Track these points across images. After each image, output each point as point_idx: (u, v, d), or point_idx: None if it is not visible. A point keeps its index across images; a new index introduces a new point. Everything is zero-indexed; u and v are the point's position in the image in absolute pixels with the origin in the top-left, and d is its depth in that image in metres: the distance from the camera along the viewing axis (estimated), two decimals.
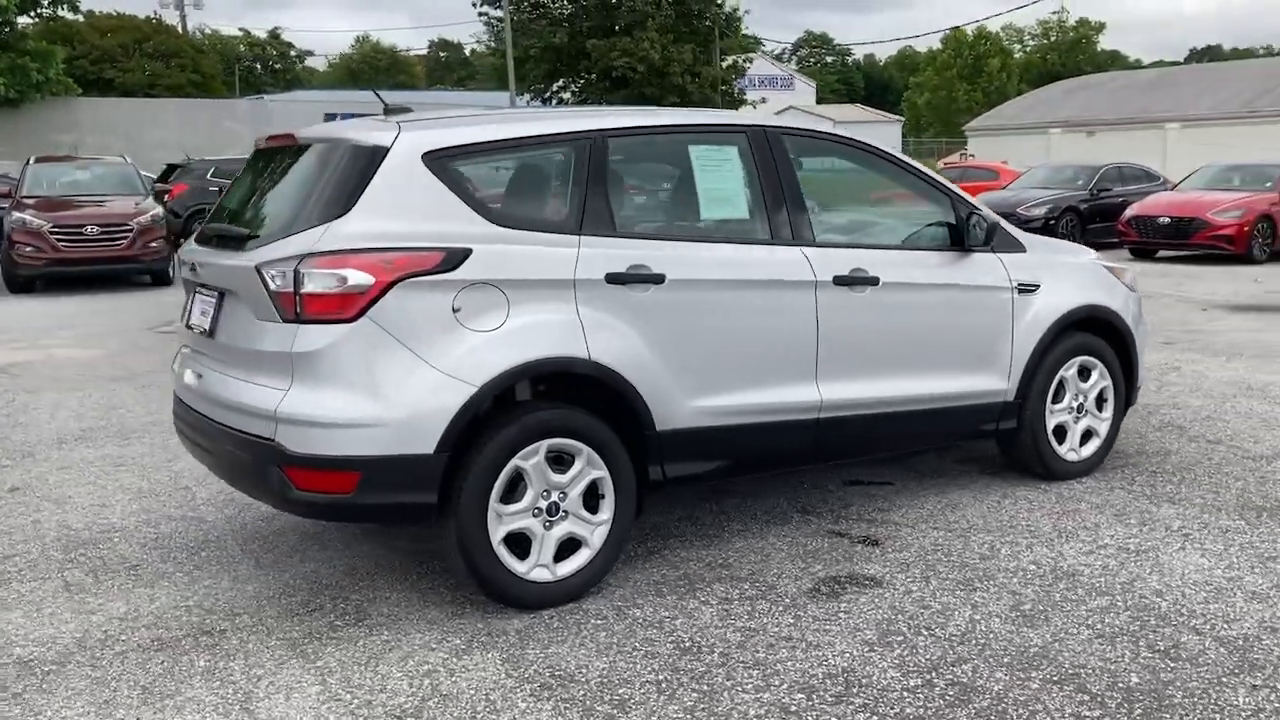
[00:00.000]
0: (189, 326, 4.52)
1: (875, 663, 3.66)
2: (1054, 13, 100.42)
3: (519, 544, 4.09)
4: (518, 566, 4.07)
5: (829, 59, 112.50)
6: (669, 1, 40.21)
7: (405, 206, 3.96)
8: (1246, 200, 17.12)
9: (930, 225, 5.23)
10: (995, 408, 5.31)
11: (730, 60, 44.14)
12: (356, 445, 3.83)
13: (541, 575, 4.12)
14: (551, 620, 4.05)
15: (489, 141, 4.24)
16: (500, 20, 41.42)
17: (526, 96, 41.28)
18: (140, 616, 4.17)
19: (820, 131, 5.11)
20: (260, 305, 3.96)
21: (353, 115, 5.52)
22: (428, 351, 3.89)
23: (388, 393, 3.84)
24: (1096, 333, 5.63)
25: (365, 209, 3.89)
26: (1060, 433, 5.57)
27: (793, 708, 3.39)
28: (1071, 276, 5.58)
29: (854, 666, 3.64)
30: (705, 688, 3.52)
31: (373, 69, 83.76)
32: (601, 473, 4.20)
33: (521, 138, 4.31)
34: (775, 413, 4.63)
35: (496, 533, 4.02)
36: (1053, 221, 19.02)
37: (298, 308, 3.84)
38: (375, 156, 3.96)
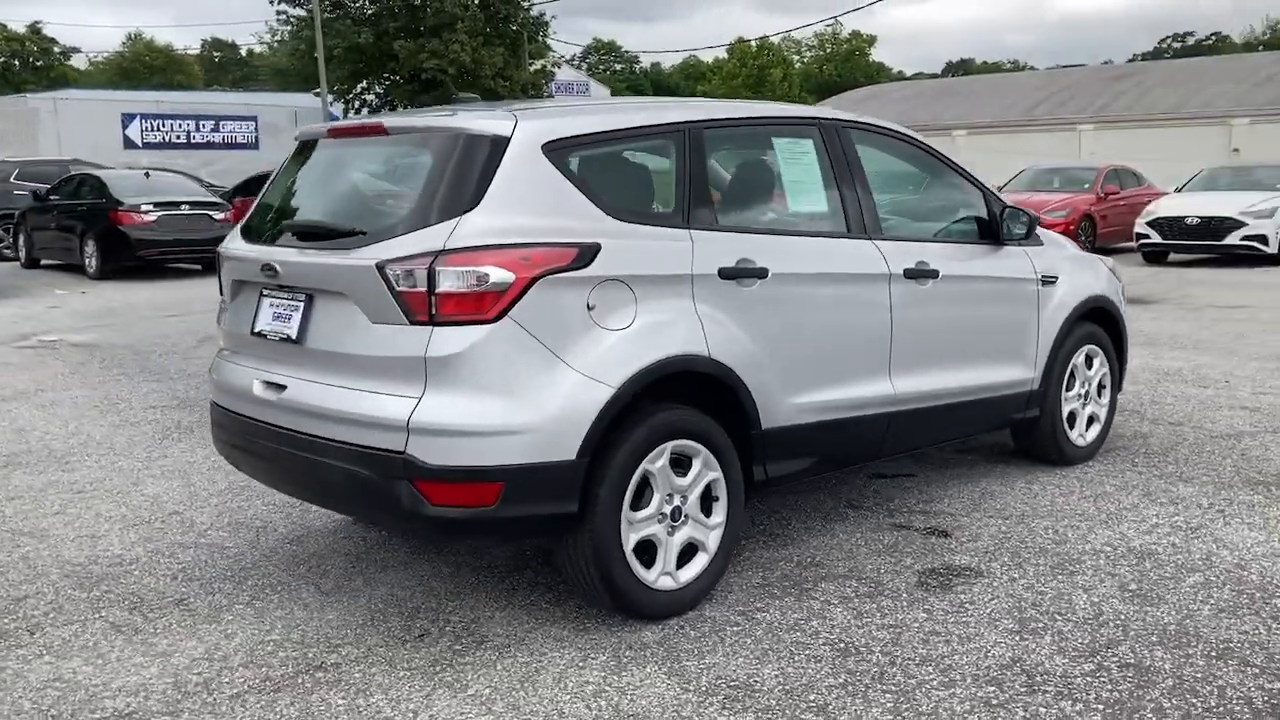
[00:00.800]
0: (256, 333, 4.12)
1: (1036, 650, 3.68)
2: (828, 25, 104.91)
3: (645, 552, 3.92)
4: (646, 575, 3.89)
5: (618, 66, 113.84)
6: (477, 4, 39.79)
7: (530, 200, 3.72)
8: (1070, 201, 18.33)
9: (966, 218, 5.33)
10: (1024, 397, 5.46)
11: (538, 64, 44.04)
12: (499, 454, 3.57)
13: (666, 583, 3.96)
14: (685, 629, 3.90)
15: (604, 132, 4.04)
16: (300, 19, 39.97)
17: (330, 98, 39.91)
18: (229, 656, 3.76)
19: (876, 124, 5.12)
20: (378, 307, 3.64)
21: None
22: (567, 352, 3.67)
23: (530, 397, 3.60)
24: (1098, 322, 5.87)
25: (493, 203, 3.64)
26: (1071, 419, 5.78)
27: (993, 701, 3.36)
28: (1080, 268, 5.80)
29: (1019, 655, 3.65)
30: (893, 688, 3.45)
31: (147, 68, 79.17)
32: (716, 474, 4.07)
33: (633, 128, 4.14)
34: (858, 408, 4.61)
35: (629, 541, 3.84)
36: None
37: (431, 309, 3.55)
38: (497, 147, 3.71)
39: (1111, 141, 36.15)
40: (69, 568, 4.61)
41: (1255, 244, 16.25)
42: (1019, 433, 5.75)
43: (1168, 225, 16.85)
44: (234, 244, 4.34)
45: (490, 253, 3.56)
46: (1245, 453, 6.04)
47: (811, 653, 3.70)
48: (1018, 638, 3.79)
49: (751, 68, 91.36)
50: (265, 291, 4.14)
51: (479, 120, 3.82)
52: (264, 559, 4.68)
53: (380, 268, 3.61)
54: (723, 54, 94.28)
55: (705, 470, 4.03)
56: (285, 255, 4.00)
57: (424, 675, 3.59)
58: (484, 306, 3.54)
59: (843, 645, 3.75)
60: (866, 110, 44.59)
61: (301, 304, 3.95)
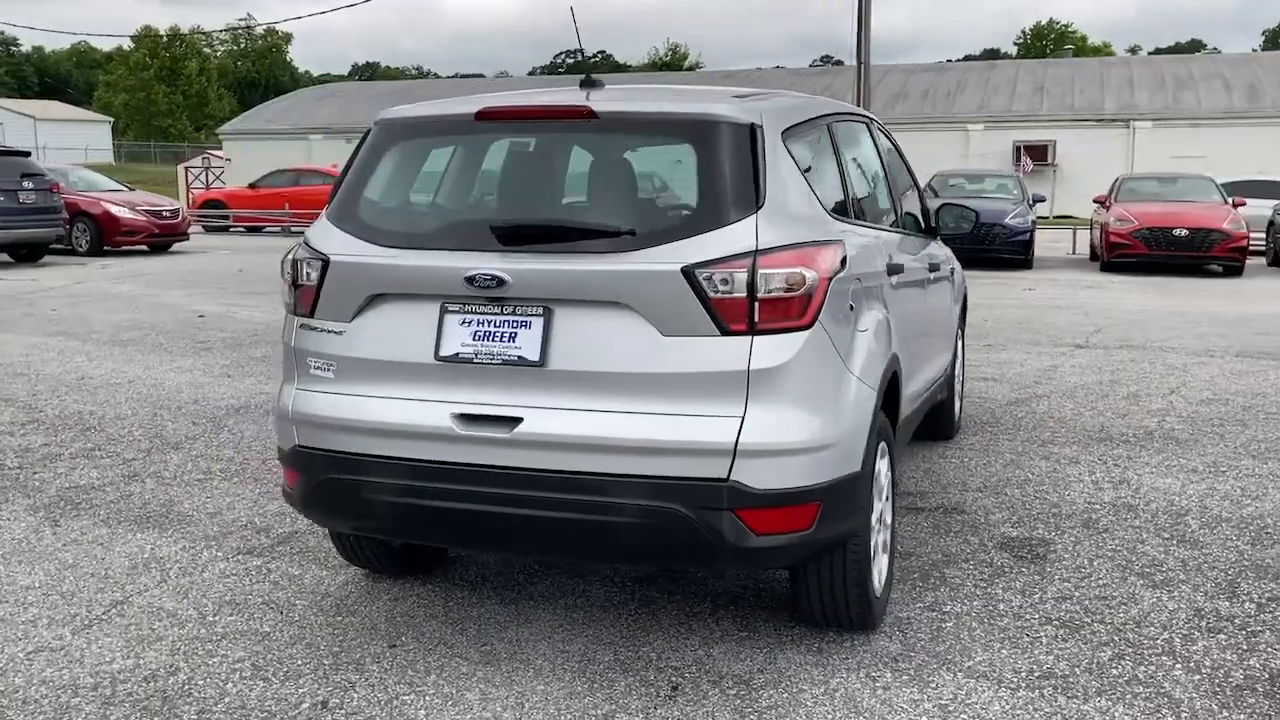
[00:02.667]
0: (444, 358, 3.32)
1: (1229, 607, 4.11)
2: (241, 20, 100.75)
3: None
4: (875, 585, 3.77)
5: None
6: None
7: (789, 194, 3.43)
8: None
9: (912, 211, 5.66)
10: (947, 378, 5.92)
11: None
12: (818, 471, 3.26)
13: (878, 590, 3.85)
14: (911, 632, 3.82)
15: (809, 120, 3.79)
16: None
17: None
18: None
19: (871, 116, 5.22)
20: (676, 317, 3.14)
21: None
22: (848, 357, 3.45)
23: (834, 407, 3.33)
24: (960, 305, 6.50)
25: (773, 198, 3.31)
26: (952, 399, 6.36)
27: None
28: (952, 256, 6.38)
29: (1203, 606, 4.05)
30: (1114, 636, 3.68)
31: None
32: (888, 473, 4.03)
33: (824, 115, 3.93)
34: (919, 399, 4.76)
35: (876, 552, 3.70)
36: None
37: (751, 316, 3.15)
38: (754, 137, 3.36)
39: None
40: None
41: None
42: (931, 415, 6.20)
43: None
44: (363, 249, 3.45)
45: (794, 252, 3.24)
46: (1047, 414, 7.04)
47: (1034, 629, 3.81)
48: (1196, 611, 4.19)
49: (164, 59, 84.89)
50: (455, 307, 3.35)
51: (722, 107, 3.42)
52: (404, 621, 3.78)
53: (688, 273, 3.13)
54: (125, 44, 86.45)
55: (885, 469, 3.97)
56: (513, 263, 3.27)
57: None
58: (801, 311, 3.21)
59: (1107, 633, 3.90)
60: (326, 108, 43.65)
61: (538, 319, 3.27)
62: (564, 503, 3.21)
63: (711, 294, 3.12)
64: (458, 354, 3.32)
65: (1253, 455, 6.08)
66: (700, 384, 3.15)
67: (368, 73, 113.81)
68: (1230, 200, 18.14)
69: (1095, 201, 19.66)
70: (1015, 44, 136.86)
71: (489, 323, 3.30)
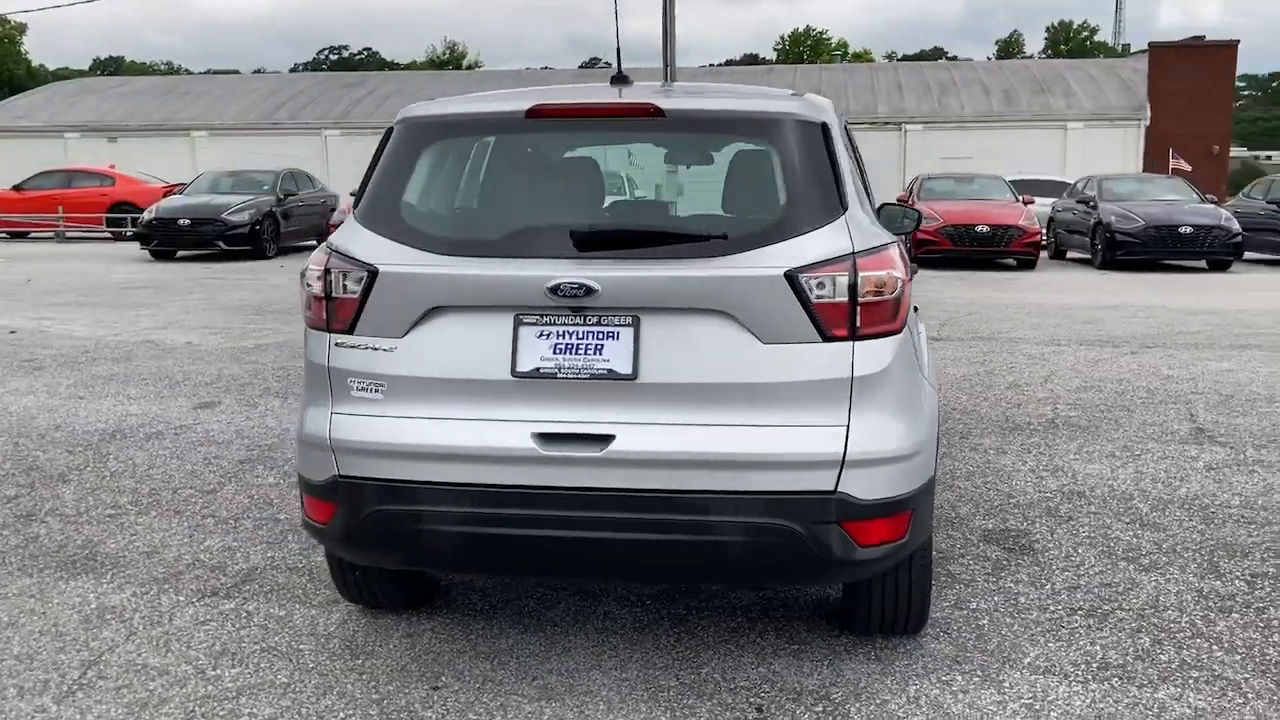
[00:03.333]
0: (521, 374, 3.07)
1: (1224, 586, 4.30)
2: None
3: None
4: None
5: None
6: None
7: (857, 195, 3.36)
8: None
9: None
10: None
11: None
12: (911, 479, 3.20)
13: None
14: (957, 631, 3.82)
15: (844, 121, 3.71)
16: None
17: None
18: None
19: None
20: (777, 323, 3.02)
21: None
22: (920, 359, 3.42)
23: (919, 412, 3.28)
24: None
25: (850, 199, 3.23)
26: None
27: None
28: None
29: (1201, 588, 4.24)
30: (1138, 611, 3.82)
31: None
32: None
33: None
34: None
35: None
36: (257, 227, 18.80)
37: (853, 321, 3.06)
38: (827, 136, 3.27)
39: (362, 145, 37.66)
40: None
41: None
42: None
43: None
44: (418, 258, 3.13)
45: (882, 254, 3.16)
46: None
47: (1065, 620, 3.89)
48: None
49: None
50: (532, 318, 3.10)
51: (790, 104, 3.32)
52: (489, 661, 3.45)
53: (791, 277, 3.00)
54: None
55: None
56: (598, 270, 3.04)
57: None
58: (893, 315, 3.14)
59: (1064, 607, 3.99)
60: (83, 105, 40.77)
61: (626, 329, 3.06)
62: (664, 524, 3.02)
63: (815, 299, 3.01)
64: (538, 369, 3.07)
65: (1154, 439, 6.44)
66: (803, 393, 3.03)
67: (111, 67, 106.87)
68: (1021, 198, 19.35)
69: (898, 201, 20.57)
70: (775, 49, 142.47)
71: (571, 334, 3.08)
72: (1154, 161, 36.66)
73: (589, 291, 3.01)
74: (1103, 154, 37.27)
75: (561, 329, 3.08)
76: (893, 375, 3.11)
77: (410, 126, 3.38)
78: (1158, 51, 38.91)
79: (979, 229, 17.88)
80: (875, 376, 3.07)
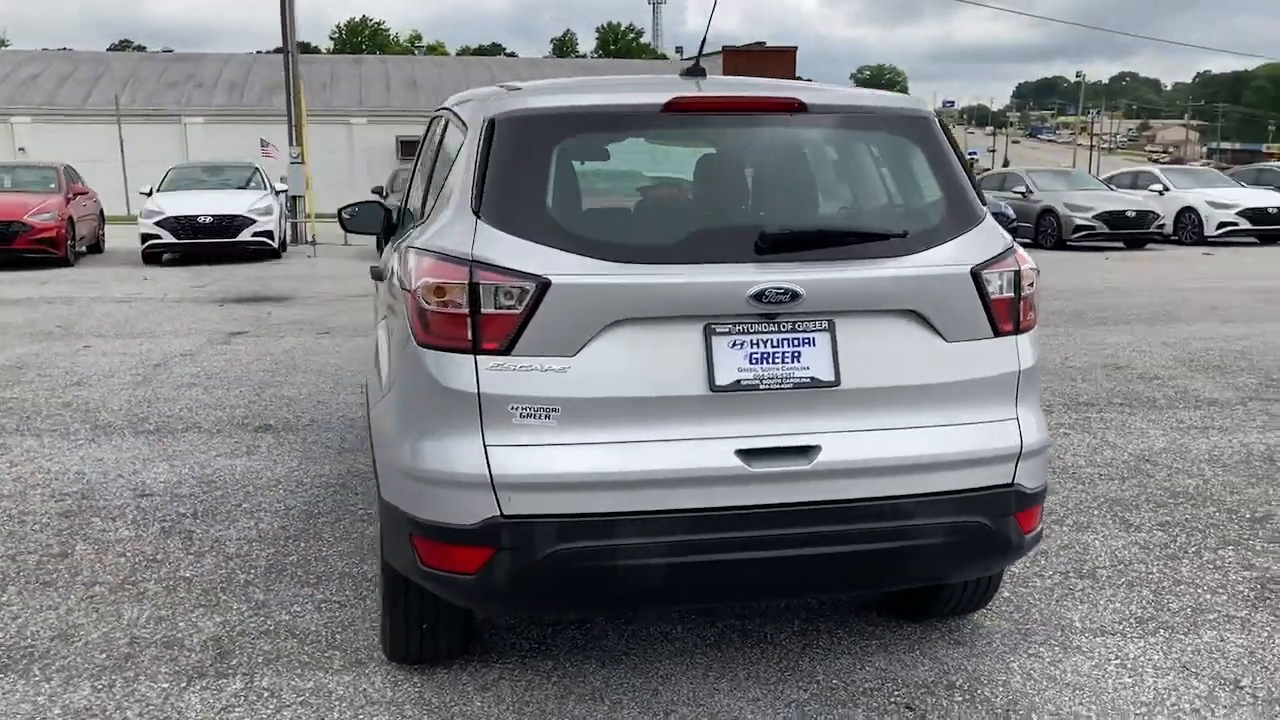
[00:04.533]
0: (720, 387, 2.83)
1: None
2: None
3: None
4: None
5: None
6: None
7: None
8: (54, 203, 16.77)
9: None
10: None
11: None
12: (1048, 466, 3.33)
13: None
14: (1019, 609, 4.03)
15: None
16: None
17: None
18: None
19: None
20: (961, 321, 3.03)
21: None
22: None
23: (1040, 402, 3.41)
24: None
25: None
26: None
27: None
28: None
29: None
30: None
31: None
32: None
33: None
34: None
35: None
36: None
37: (1017, 315, 3.13)
38: (949, 132, 3.31)
39: None
40: None
41: (265, 239, 17.24)
42: None
43: (178, 225, 16.67)
44: (594, 267, 2.78)
45: (1020, 249, 3.26)
46: None
47: (1058, 582, 4.23)
48: None
49: None
50: (725, 327, 2.86)
51: (906, 99, 3.31)
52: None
53: (975, 274, 3.02)
54: None
55: None
56: (796, 273, 2.86)
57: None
58: (1034, 307, 3.25)
59: (1114, 566, 4.34)
60: None
61: (823, 334, 2.91)
62: (871, 533, 2.94)
63: (992, 295, 3.05)
64: (738, 381, 2.87)
65: None
66: (983, 389, 3.07)
67: None
68: None
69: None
70: (331, 39, 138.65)
71: (766, 343, 2.90)
72: None
73: (794, 296, 2.86)
74: None
75: (756, 337, 2.89)
76: (1038, 366, 3.22)
77: (533, 120, 3.01)
78: (730, 55, 42.19)
79: None
80: (1033, 369, 3.17)
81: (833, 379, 2.92)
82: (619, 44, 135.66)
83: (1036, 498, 3.18)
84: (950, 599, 3.68)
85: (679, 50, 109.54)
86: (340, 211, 5.47)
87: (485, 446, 2.83)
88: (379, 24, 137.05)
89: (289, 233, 19.88)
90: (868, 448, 2.94)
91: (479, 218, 2.91)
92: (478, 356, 2.83)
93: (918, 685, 3.42)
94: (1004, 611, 3.96)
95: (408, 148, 40.15)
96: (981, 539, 3.05)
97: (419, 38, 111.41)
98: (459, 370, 2.85)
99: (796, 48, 43.00)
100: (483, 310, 2.82)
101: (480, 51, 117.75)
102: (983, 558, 3.13)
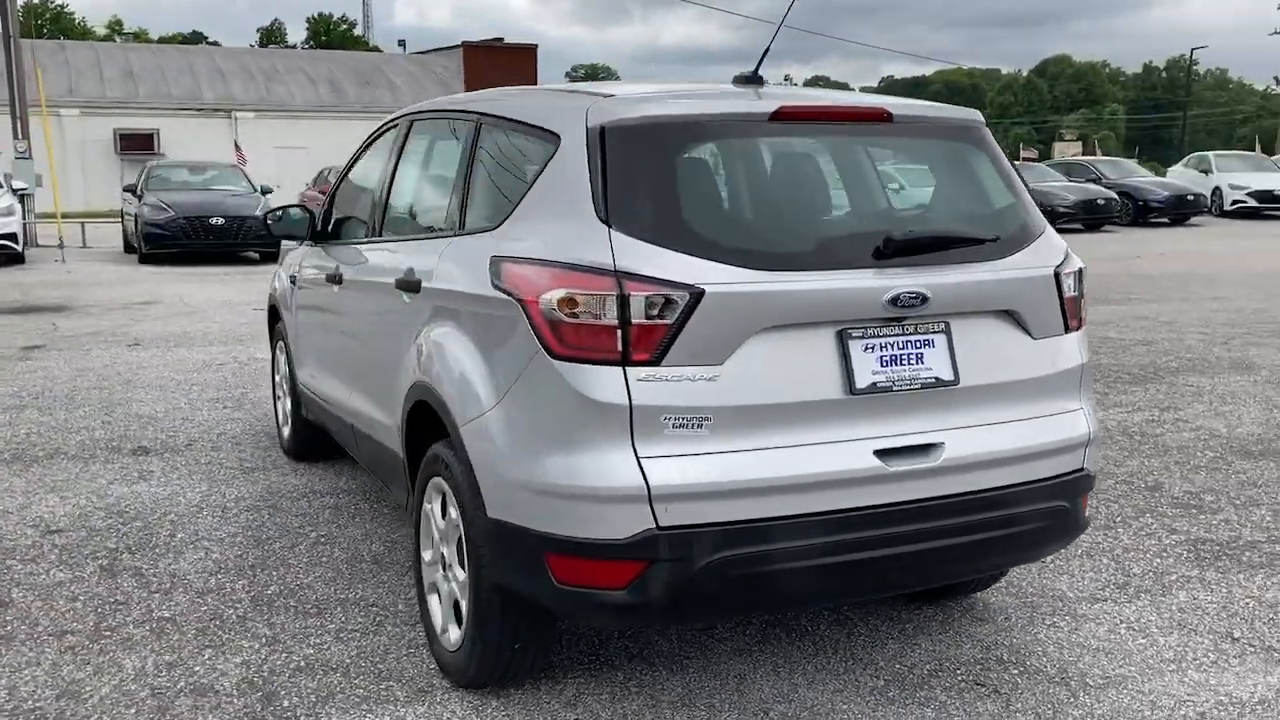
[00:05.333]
0: (860, 390, 2.91)
1: None
2: None
3: None
4: None
5: None
6: None
7: None
8: None
9: None
10: None
11: None
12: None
13: None
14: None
15: None
16: None
17: None
18: None
19: None
20: (1044, 319, 3.25)
21: None
22: None
23: None
24: None
25: None
26: None
27: None
28: None
29: None
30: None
31: None
32: None
33: None
34: None
35: None
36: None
37: (1080, 313, 3.39)
38: (989, 135, 3.52)
39: None
40: None
41: (8, 243, 15.71)
42: None
43: None
44: (741, 275, 2.79)
45: None
46: None
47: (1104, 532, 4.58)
48: None
49: None
50: (858, 331, 2.94)
51: (971, 110, 3.49)
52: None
53: (1056, 275, 3.25)
54: None
55: None
56: (922, 277, 2.97)
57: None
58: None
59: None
60: None
61: (940, 335, 3.04)
62: (986, 523, 3.11)
63: (1066, 294, 3.29)
64: (874, 384, 2.96)
65: None
66: (1060, 382, 3.30)
67: None
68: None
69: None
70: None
71: (894, 345, 3.00)
72: None
73: (924, 300, 2.98)
74: None
75: (885, 340, 3.00)
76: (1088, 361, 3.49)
77: (648, 129, 2.97)
78: (470, 50, 41.85)
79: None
80: (1090, 361, 3.43)
81: (953, 378, 3.07)
82: (331, 35, 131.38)
83: (1094, 480, 3.45)
84: (976, 580, 3.91)
85: (401, 44, 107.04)
86: (266, 217, 5.25)
87: (639, 458, 2.79)
88: (61, 7, 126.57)
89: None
90: (982, 442, 3.11)
91: (610, 227, 2.85)
92: (627, 368, 2.79)
93: (972, 663, 3.62)
94: (999, 588, 4.24)
95: (130, 142, 37.50)
96: (1064, 521, 3.29)
97: (119, 24, 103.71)
98: (607, 382, 2.79)
99: (537, 45, 43.25)
100: (633, 321, 2.77)
101: (182, 40, 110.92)
102: (1062, 537, 3.37)
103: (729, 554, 2.81)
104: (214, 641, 3.75)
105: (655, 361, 2.79)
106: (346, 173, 5.23)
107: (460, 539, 3.28)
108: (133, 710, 3.29)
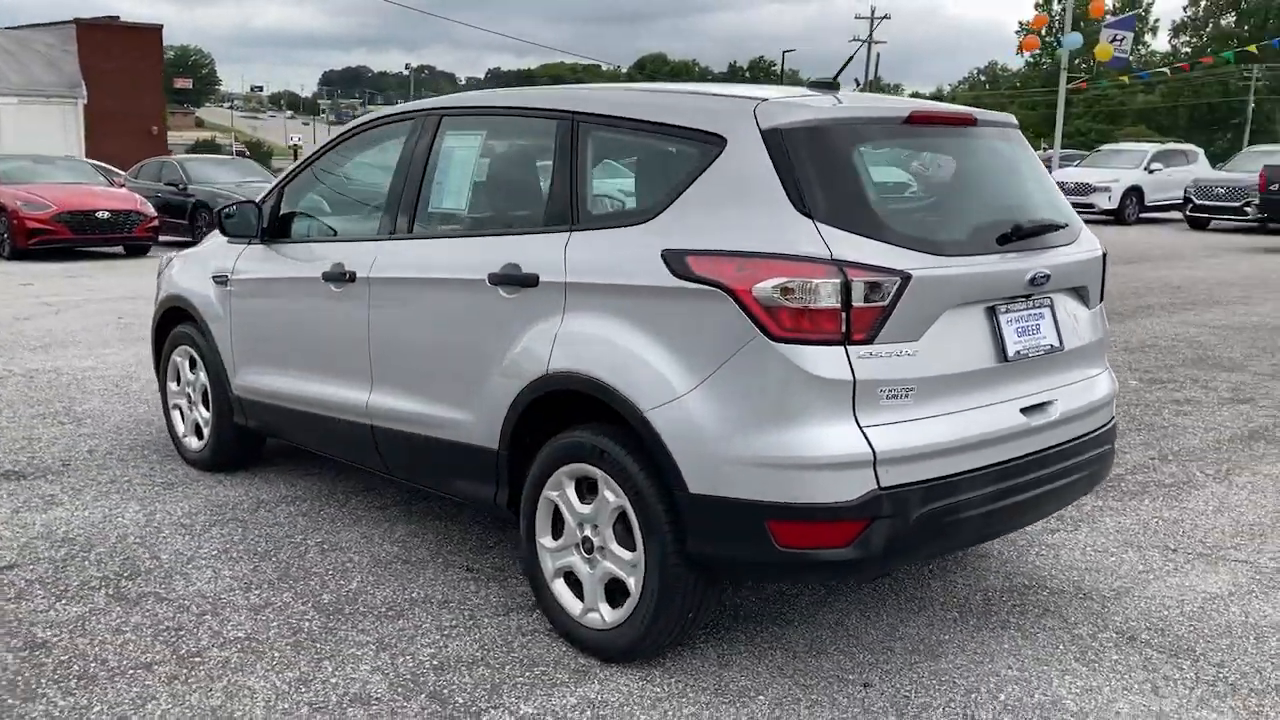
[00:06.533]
0: (1009, 358, 3.38)
1: None
2: None
3: None
4: None
5: None
6: None
7: None
8: None
9: None
10: None
11: None
12: None
13: None
14: None
15: None
16: None
17: None
18: None
19: None
20: (1092, 294, 3.89)
21: None
22: None
23: None
24: None
25: None
26: None
27: None
28: None
29: None
30: None
31: None
32: None
33: None
34: None
35: None
36: None
37: (1105, 289, 4.05)
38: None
39: None
40: None
41: None
42: None
43: None
44: (932, 261, 3.17)
45: None
46: None
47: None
48: None
49: None
50: (1004, 307, 3.41)
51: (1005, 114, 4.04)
52: None
53: (1104, 255, 3.89)
54: None
55: None
56: (1044, 260, 3.49)
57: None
58: None
59: None
60: None
61: (1048, 309, 3.58)
62: (1079, 464, 3.69)
63: (1103, 274, 3.94)
64: (1018, 352, 3.46)
65: None
66: (1098, 348, 3.95)
67: None
68: (113, 181, 18.34)
69: None
70: None
71: (1024, 318, 3.52)
72: (101, 140, 36.41)
73: (1048, 279, 3.51)
74: (41, 132, 35.78)
75: (1019, 314, 3.50)
76: None
77: (822, 130, 3.27)
78: (85, 29, 38.31)
79: (99, 215, 16.63)
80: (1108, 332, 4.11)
81: (1059, 345, 3.63)
82: None
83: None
84: None
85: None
86: (219, 214, 5.00)
87: (861, 428, 3.12)
88: None
89: None
90: (1075, 398, 3.70)
91: (814, 220, 3.15)
92: (848, 346, 3.10)
93: (1010, 590, 4.22)
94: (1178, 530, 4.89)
95: None
96: (1108, 461, 3.97)
97: None
98: (832, 360, 3.09)
99: (162, 26, 40.25)
100: (854, 304, 3.09)
101: None
102: (1105, 475, 4.03)
103: (932, 507, 3.21)
104: (320, 653, 3.63)
105: (870, 340, 3.13)
106: (301, 171, 5.03)
107: (621, 519, 3.44)
108: None
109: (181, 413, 5.74)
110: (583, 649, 3.64)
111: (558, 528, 3.72)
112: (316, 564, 4.40)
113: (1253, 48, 33.76)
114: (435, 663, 3.59)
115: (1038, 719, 3.28)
